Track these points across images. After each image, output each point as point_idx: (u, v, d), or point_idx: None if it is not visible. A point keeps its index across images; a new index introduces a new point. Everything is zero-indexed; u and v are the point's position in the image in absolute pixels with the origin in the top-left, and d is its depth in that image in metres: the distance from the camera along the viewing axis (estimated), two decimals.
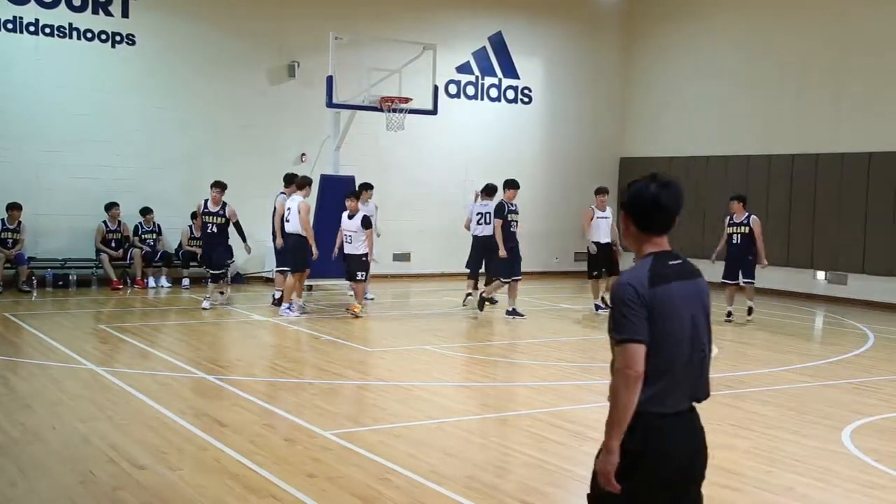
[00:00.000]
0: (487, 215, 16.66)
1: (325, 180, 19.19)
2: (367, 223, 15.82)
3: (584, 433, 8.87)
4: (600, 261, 17.36)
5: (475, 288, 17.31)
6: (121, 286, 18.87)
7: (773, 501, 7.09)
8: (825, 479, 7.64)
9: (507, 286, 16.22)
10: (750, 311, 16.86)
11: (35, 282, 18.42)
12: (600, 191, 17.66)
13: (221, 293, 16.89)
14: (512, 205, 16.53)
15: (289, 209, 16.05)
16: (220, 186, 16.17)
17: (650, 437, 4.07)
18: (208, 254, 16.50)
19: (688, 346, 4.21)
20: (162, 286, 19.15)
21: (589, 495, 4.31)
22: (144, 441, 8.17)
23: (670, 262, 4.21)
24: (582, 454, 8.22)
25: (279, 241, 16.42)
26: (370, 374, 11.71)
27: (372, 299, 17.90)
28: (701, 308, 4.33)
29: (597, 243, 17.24)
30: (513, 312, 16.13)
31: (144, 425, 8.74)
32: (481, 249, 16.72)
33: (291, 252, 15.96)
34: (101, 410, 9.21)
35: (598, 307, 17.24)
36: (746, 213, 16.83)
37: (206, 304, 16.10)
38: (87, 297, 17.86)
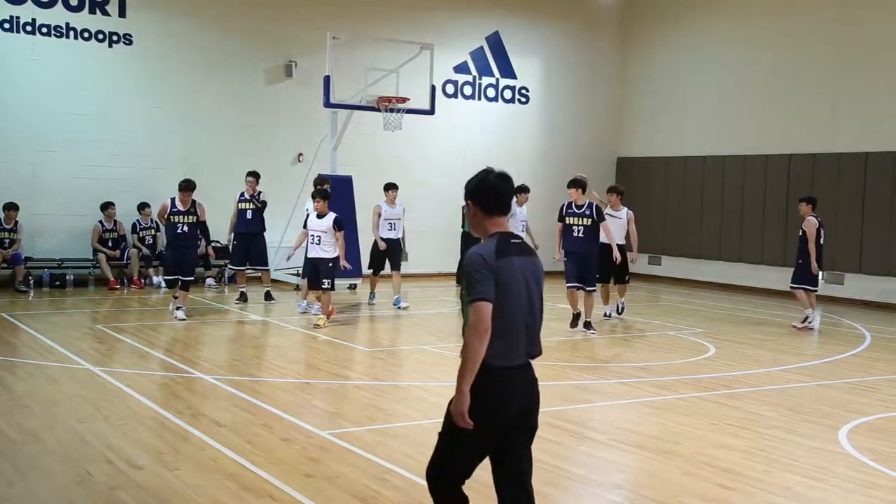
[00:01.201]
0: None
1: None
2: (339, 224, 15.05)
3: (582, 433, 8.90)
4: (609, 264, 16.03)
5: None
6: (118, 286, 18.89)
7: (770, 501, 7.09)
8: (822, 478, 7.65)
9: None
10: None
11: (32, 282, 18.44)
12: (610, 190, 16.94)
13: (176, 297, 15.43)
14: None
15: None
16: (190, 188, 15.14)
17: (497, 386, 4.91)
18: (178, 258, 15.21)
19: (525, 310, 4.98)
20: (160, 286, 19.12)
21: (441, 433, 5.18)
22: (142, 441, 8.18)
23: (511, 241, 5.03)
24: (580, 454, 8.26)
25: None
26: (368, 374, 11.71)
27: (406, 308, 17.24)
28: (535, 280, 5.07)
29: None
30: None
31: (142, 425, 8.74)
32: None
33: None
34: (98, 410, 9.20)
35: (607, 314, 16.72)
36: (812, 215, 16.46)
37: (179, 313, 15.03)
38: (83, 297, 17.85)
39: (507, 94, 24.79)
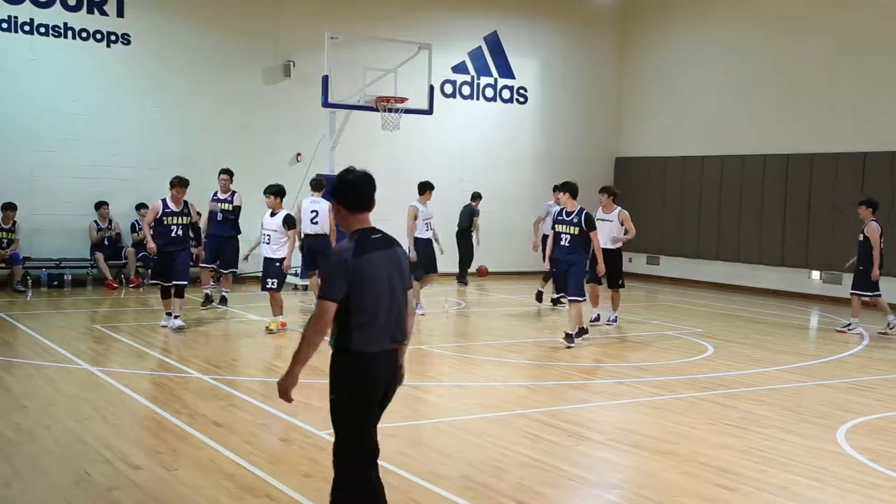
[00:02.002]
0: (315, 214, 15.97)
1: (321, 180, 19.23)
2: (290, 223, 14.45)
3: (580, 433, 8.91)
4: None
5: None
6: (116, 285, 18.89)
7: (768, 500, 7.11)
8: (820, 478, 7.66)
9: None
10: None
11: (30, 282, 18.43)
12: (602, 190, 16.13)
13: (169, 313, 14.26)
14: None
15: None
16: (183, 184, 14.26)
17: (363, 370, 5.33)
18: (170, 262, 14.08)
19: (387, 300, 5.35)
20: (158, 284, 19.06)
21: (335, 430, 5.56)
22: (139, 441, 8.19)
23: (373, 237, 5.40)
24: (577, 454, 8.26)
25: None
26: None
27: (422, 315, 16.05)
28: (397, 271, 5.45)
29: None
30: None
31: (139, 425, 8.76)
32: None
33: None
34: (96, 410, 9.20)
35: (594, 318, 16.00)
36: (872, 219, 15.95)
37: (177, 321, 14.02)
38: (82, 297, 17.87)
39: (506, 94, 24.80)
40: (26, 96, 18.93)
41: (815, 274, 21.16)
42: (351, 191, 5.48)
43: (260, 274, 17.23)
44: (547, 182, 24.64)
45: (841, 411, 10.07)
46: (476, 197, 22.31)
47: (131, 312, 16.55)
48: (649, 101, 25.41)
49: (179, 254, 14.20)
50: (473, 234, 22.02)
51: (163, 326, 14.13)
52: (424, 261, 16.35)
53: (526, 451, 8.24)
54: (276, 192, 14.41)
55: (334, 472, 5.55)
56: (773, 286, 21.77)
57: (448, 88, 23.75)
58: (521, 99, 25.04)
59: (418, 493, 6.99)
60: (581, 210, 13.58)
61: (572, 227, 13.52)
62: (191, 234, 14.67)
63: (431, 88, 20.23)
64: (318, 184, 16.32)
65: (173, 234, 14.09)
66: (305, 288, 19.54)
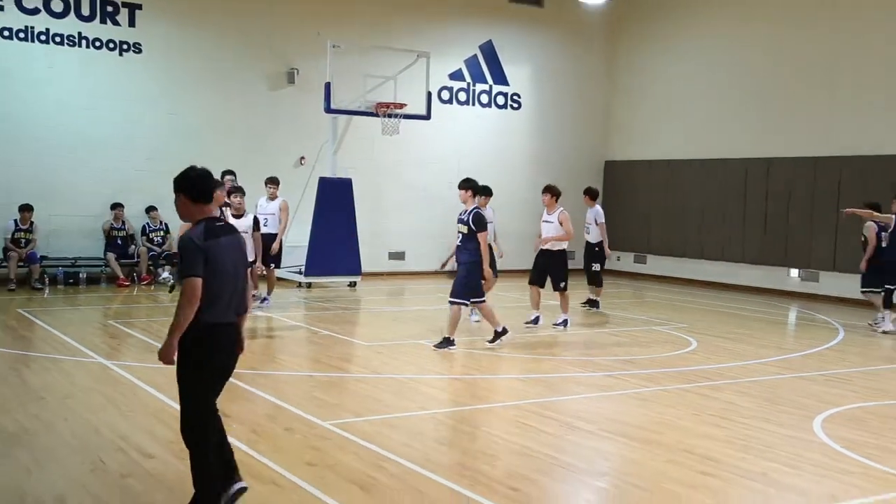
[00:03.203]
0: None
1: (324, 183, 19.25)
2: (256, 225, 14.13)
3: (571, 423, 8.94)
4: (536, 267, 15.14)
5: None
6: (128, 283, 18.90)
7: (747, 486, 7.14)
8: (797, 465, 7.69)
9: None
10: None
11: (47, 279, 18.45)
12: (545, 190, 15.11)
13: None
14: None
15: None
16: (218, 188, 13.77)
17: (212, 337, 5.85)
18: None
19: (232, 278, 5.92)
20: (167, 281, 19.10)
21: (180, 394, 5.99)
22: (152, 431, 8.21)
23: (217, 224, 5.97)
24: (568, 443, 8.29)
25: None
26: (367, 368, 11.72)
27: (477, 322, 14.85)
28: (239, 254, 6.09)
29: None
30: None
31: (152, 416, 8.77)
32: None
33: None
34: (110, 402, 9.25)
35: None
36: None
37: None
38: (96, 294, 17.86)
39: (500, 100, 24.81)
40: (42, 103, 18.93)
41: (794, 272, 21.22)
42: (195, 185, 6.00)
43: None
44: (539, 184, 24.69)
45: (817, 402, 10.10)
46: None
47: (143, 309, 16.55)
48: (636, 106, 25.45)
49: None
50: None
51: None
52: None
53: (518, 440, 8.27)
54: (238, 190, 14.17)
55: (185, 423, 6.02)
56: (754, 283, 21.82)
57: (445, 95, 23.76)
58: (515, 105, 25.05)
59: (417, 480, 7.03)
60: (473, 209, 12.63)
61: (463, 226, 12.64)
62: None
63: (429, 95, 20.24)
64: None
65: None
66: (309, 285, 19.60)
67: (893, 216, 15.50)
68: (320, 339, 13.57)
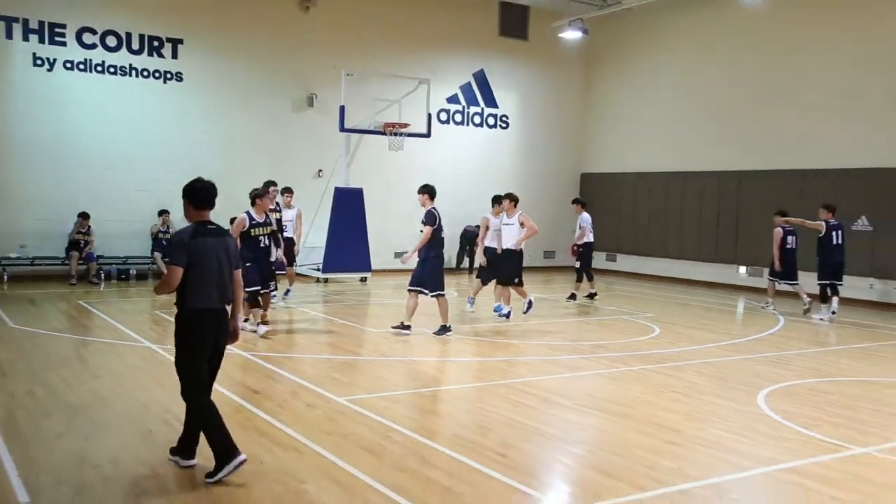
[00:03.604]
0: None
1: (338, 192, 19.27)
2: (279, 226, 13.50)
3: (550, 399, 8.97)
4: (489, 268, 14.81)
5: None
6: None
7: (704, 452, 7.18)
8: (745, 434, 7.73)
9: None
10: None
11: (102, 275, 18.48)
12: (504, 196, 14.67)
13: (260, 319, 12.48)
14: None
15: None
16: (261, 195, 12.64)
17: (199, 322, 6.13)
18: (259, 270, 12.21)
19: (216, 272, 6.17)
20: None
21: (177, 368, 6.29)
22: None
23: (208, 227, 6.25)
24: (550, 416, 8.32)
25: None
26: (376, 352, 11.74)
27: (507, 314, 14.47)
28: (224, 253, 6.26)
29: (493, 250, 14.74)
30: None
31: None
32: None
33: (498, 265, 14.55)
34: (156, 381, 9.29)
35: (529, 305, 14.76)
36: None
37: (262, 328, 12.25)
38: (144, 288, 17.87)
39: (491, 120, 24.82)
40: (98, 124, 18.96)
41: (742, 269, 21.27)
42: (198, 194, 6.32)
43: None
44: (524, 193, 24.67)
45: (761, 380, 10.16)
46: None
47: None
48: (609, 127, 25.44)
49: (267, 263, 12.59)
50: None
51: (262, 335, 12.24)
52: (495, 269, 14.67)
53: (507, 413, 8.29)
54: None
55: (182, 392, 6.30)
56: (709, 279, 21.85)
57: (443, 116, 23.76)
58: (504, 125, 25.05)
59: (420, 447, 7.05)
60: (428, 210, 12.57)
61: (422, 225, 12.59)
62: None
63: (429, 116, 20.24)
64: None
65: (262, 245, 12.35)
66: (326, 280, 19.62)
67: (823, 223, 15.83)
68: (336, 327, 13.58)
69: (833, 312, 15.59)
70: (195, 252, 6.07)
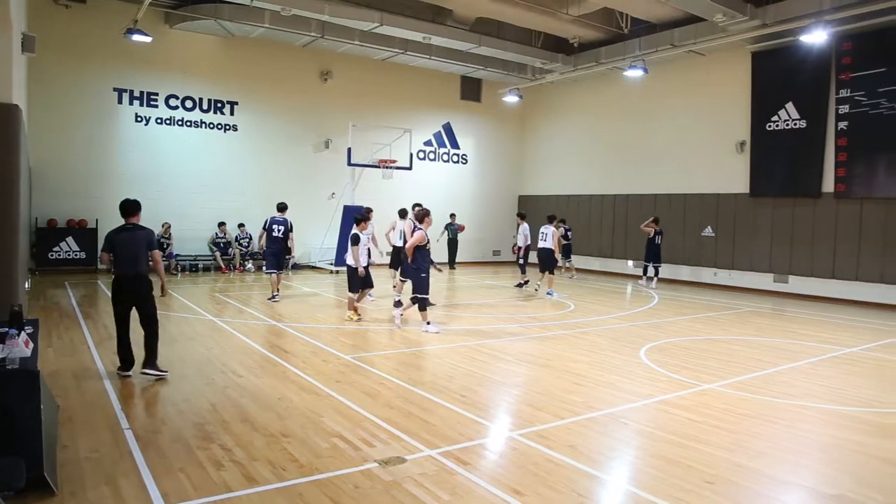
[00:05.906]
0: None
1: (347, 209, 19.17)
2: (285, 232, 13.09)
3: (497, 355, 9.00)
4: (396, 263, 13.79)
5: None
6: (226, 271, 18.74)
7: (602, 390, 7.26)
8: (630, 377, 7.82)
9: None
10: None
11: (179, 269, 18.23)
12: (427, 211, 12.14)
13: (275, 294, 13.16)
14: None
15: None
16: (281, 208, 13.30)
17: (118, 284, 7.05)
18: (276, 254, 13.16)
19: (130, 256, 7.00)
20: (250, 270, 19.00)
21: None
22: (242, 362, 8.20)
23: (126, 226, 7.07)
24: (496, 368, 8.35)
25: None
26: (374, 323, 11.73)
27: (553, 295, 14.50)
28: (135, 243, 7.03)
29: (395, 247, 13.92)
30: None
31: (241, 352, 8.76)
32: None
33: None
34: (216, 343, 9.21)
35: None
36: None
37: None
38: (208, 278, 17.66)
39: (455, 158, 24.77)
40: (177, 161, 18.69)
41: (630, 262, 21.44)
42: (121, 208, 7.14)
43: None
44: (478, 209, 24.78)
45: (643, 340, 10.27)
46: (452, 216, 22.40)
47: (235, 287, 16.39)
48: (538, 160, 25.47)
49: (282, 251, 13.08)
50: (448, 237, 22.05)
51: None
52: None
53: (466, 366, 8.33)
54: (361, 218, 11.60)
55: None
56: (607, 269, 21.99)
57: (421, 154, 23.69)
58: (464, 161, 25.02)
59: (404, 391, 7.07)
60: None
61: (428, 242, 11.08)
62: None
63: (411, 155, 20.22)
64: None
65: (275, 235, 12.93)
66: (337, 272, 19.52)
67: (653, 229, 18.27)
68: (344, 303, 13.49)
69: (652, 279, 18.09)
70: (114, 242, 6.99)
